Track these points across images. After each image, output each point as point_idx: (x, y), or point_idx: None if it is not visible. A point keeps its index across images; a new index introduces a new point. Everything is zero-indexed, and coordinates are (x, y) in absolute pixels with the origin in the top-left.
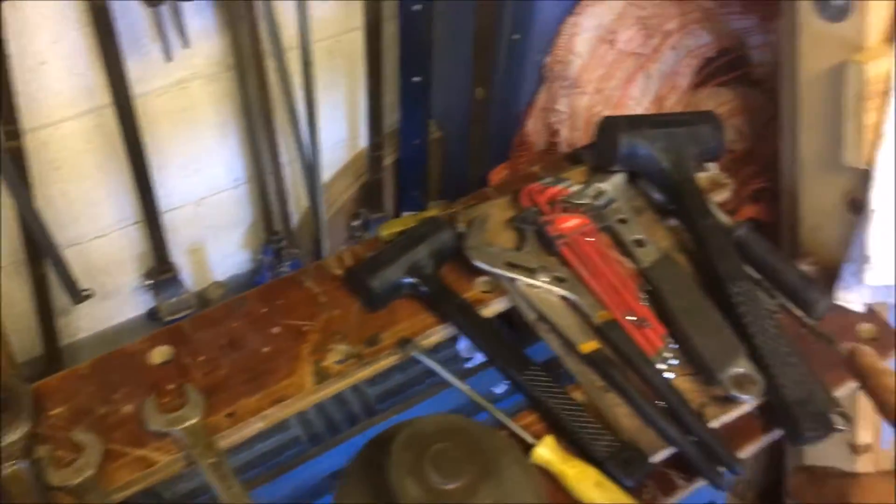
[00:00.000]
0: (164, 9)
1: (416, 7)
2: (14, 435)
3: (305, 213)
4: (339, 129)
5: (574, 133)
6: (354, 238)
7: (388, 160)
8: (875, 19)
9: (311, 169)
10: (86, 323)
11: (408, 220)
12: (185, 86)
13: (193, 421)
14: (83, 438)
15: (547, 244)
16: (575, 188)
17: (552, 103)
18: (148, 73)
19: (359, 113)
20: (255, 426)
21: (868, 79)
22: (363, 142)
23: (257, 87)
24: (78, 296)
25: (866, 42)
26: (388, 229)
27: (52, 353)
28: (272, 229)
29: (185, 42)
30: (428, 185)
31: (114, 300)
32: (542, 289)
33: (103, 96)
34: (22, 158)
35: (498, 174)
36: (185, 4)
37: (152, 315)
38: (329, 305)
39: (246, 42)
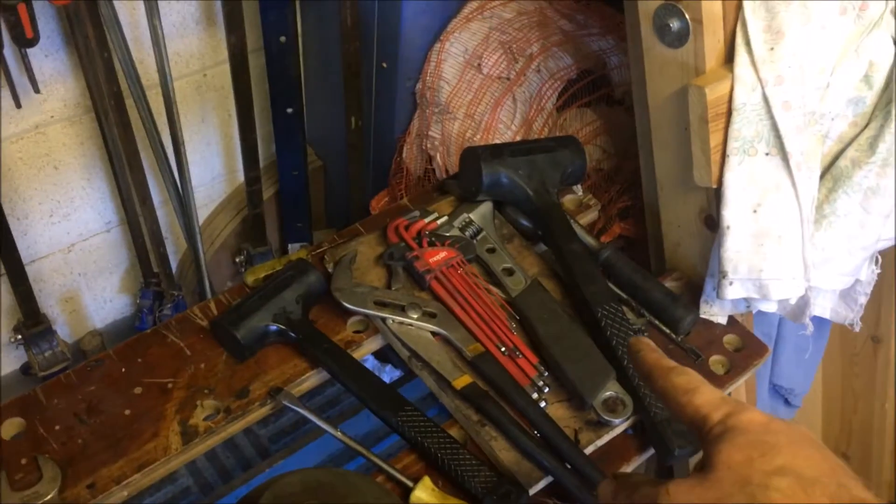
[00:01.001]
0: (8, 53)
1: (282, 38)
2: None
3: (186, 252)
4: (214, 164)
5: (448, 158)
6: (240, 274)
7: (269, 192)
8: (711, 43)
9: (185, 207)
10: None
11: (273, 263)
12: (43, 131)
13: (49, 496)
14: None
15: (417, 279)
16: (442, 220)
17: (426, 129)
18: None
19: (234, 146)
20: (118, 495)
21: (709, 101)
22: (241, 175)
23: (119, 127)
24: None
25: (705, 66)
26: (254, 275)
27: None
28: (150, 271)
29: (36, 87)
30: (311, 214)
31: None
32: (414, 325)
33: None
34: None
35: (378, 201)
36: (33, 49)
37: (25, 371)
38: (194, 359)
39: (102, 83)
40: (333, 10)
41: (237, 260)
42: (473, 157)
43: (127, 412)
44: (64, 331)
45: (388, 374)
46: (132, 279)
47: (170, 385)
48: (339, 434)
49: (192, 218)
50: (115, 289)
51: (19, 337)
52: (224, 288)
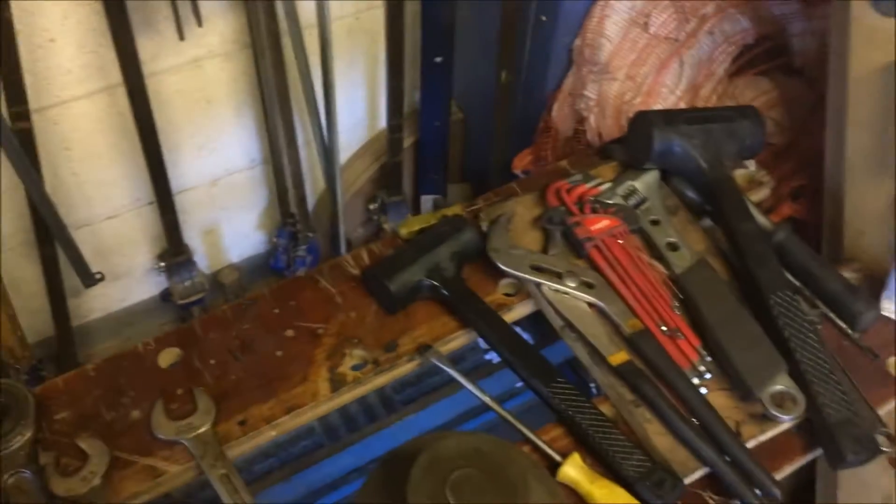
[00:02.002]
0: None
1: None
2: (17, 442)
3: (322, 195)
4: (357, 109)
5: (603, 121)
6: (372, 221)
7: (408, 142)
8: None
9: (328, 150)
10: (98, 304)
11: (428, 217)
12: (200, 65)
13: (203, 429)
14: (89, 445)
15: (575, 246)
16: (605, 186)
17: (580, 89)
18: (161, 51)
19: (378, 93)
20: (267, 435)
21: None
22: (382, 122)
23: (273, 66)
24: (89, 279)
25: None
26: (408, 227)
27: (64, 334)
28: (288, 212)
29: (199, 20)
30: (448, 167)
31: (126, 281)
32: (570, 294)
33: (115, 75)
34: (31, 139)
35: (522, 160)
36: None
37: (165, 297)
38: (345, 307)
39: (262, 20)
40: None
41: (371, 207)
42: (645, 122)
43: (278, 353)
44: (203, 262)
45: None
46: (269, 217)
47: (320, 331)
48: (487, 399)
49: (335, 162)
50: (253, 225)
51: (162, 265)
52: (355, 233)
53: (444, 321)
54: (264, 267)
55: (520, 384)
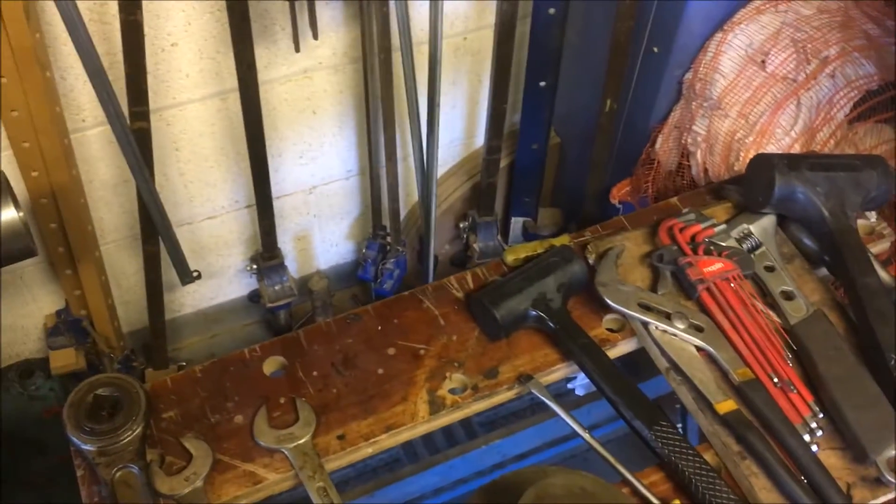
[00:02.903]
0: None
1: (551, 10)
2: (128, 437)
3: (412, 210)
4: (455, 127)
5: (710, 157)
6: (460, 239)
7: (503, 163)
8: None
9: (427, 167)
10: (189, 300)
11: (535, 245)
12: (310, 75)
13: (304, 440)
14: (194, 446)
15: (686, 287)
16: (719, 228)
17: (688, 123)
18: (274, 61)
19: (478, 113)
20: (364, 451)
21: None
22: (478, 141)
23: (382, 80)
24: (187, 276)
25: None
26: (514, 254)
27: (157, 327)
28: (380, 224)
29: (315, 34)
30: (541, 191)
31: (218, 280)
32: (678, 336)
33: (229, 81)
34: (148, 139)
35: (620, 190)
36: None
37: (253, 298)
38: (447, 329)
39: (375, 35)
40: None
41: (461, 225)
42: (766, 165)
43: (380, 371)
44: (292, 266)
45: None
46: (359, 228)
47: (422, 351)
48: (589, 437)
49: (432, 179)
50: (343, 234)
51: (255, 267)
52: (442, 250)
53: (546, 352)
54: (350, 276)
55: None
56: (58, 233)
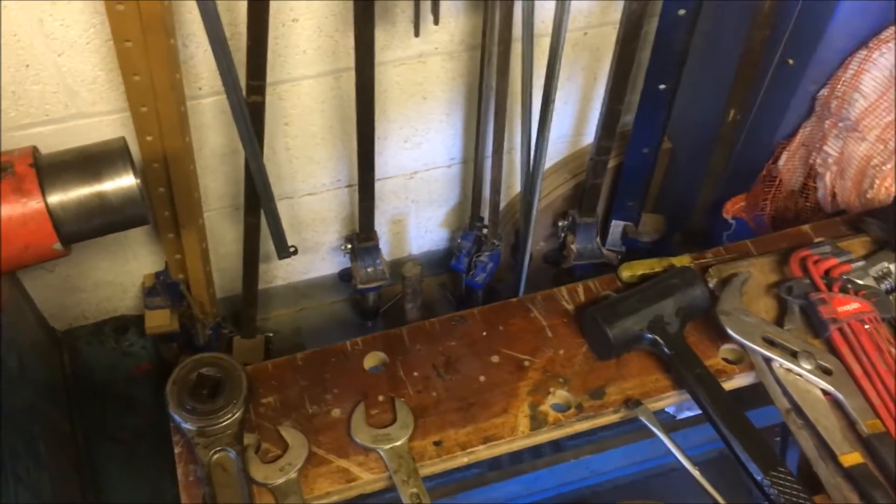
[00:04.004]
0: None
1: (681, 11)
2: (227, 419)
3: (511, 203)
4: (564, 123)
5: (840, 182)
6: (556, 237)
7: (610, 164)
8: None
9: (535, 162)
10: (282, 272)
11: (652, 263)
12: (424, 61)
13: (400, 442)
14: (291, 436)
15: (816, 325)
16: (857, 264)
17: (819, 142)
18: (391, 43)
19: (588, 111)
20: (459, 460)
21: None
22: (585, 140)
23: (499, 71)
24: (285, 251)
25: None
26: (631, 271)
27: (250, 296)
28: (477, 215)
29: (437, 19)
30: (646, 196)
31: (311, 256)
32: (803, 377)
33: (345, 60)
34: (261, 113)
35: (734, 204)
36: None
37: (343, 277)
38: (554, 342)
39: (496, 25)
40: None
41: (559, 223)
42: None
43: (482, 378)
44: (384, 249)
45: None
46: (454, 217)
47: (526, 363)
48: (696, 472)
49: (538, 175)
50: (438, 222)
51: (349, 246)
52: (537, 246)
53: (657, 378)
54: (440, 263)
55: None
56: (165, 197)
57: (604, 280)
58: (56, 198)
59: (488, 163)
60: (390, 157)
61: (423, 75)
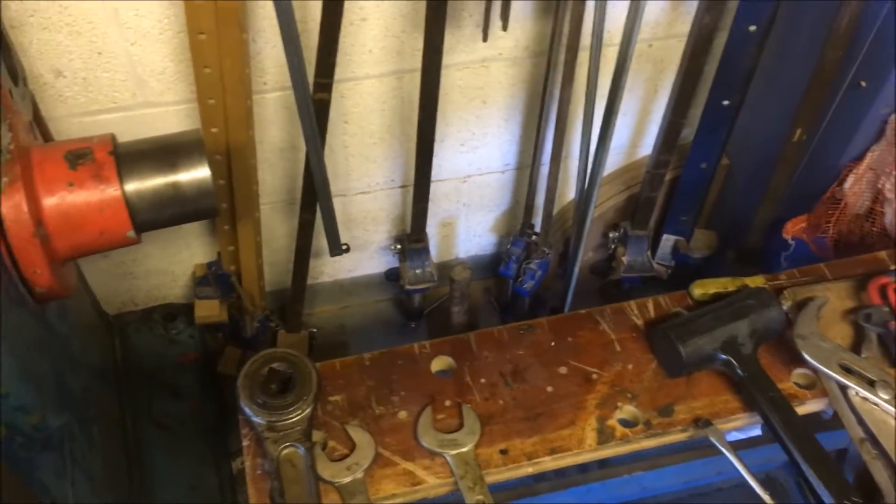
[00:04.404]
0: None
1: (752, 27)
2: (297, 415)
3: (562, 212)
4: (622, 134)
5: None
6: (605, 248)
7: (666, 177)
8: None
9: (593, 172)
10: (329, 269)
11: (725, 282)
12: (487, 65)
13: (467, 448)
14: (358, 436)
15: (895, 355)
16: None
17: (888, 167)
18: (457, 46)
19: (647, 123)
20: (524, 470)
21: None
22: (641, 152)
23: (563, 78)
24: (337, 248)
25: None
26: (703, 289)
27: (298, 291)
28: (528, 222)
29: (506, 25)
30: (700, 212)
31: (359, 254)
32: (879, 406)
33: (409, 61)
34: (326, 110)
35: (795, 225)
36: None
37: (390, 276)
38: (623, 357)
39: (565, 33)
40: (820, 10)
41: (610, 235)
42: None
43: (549, 389)
44: (432, 251)
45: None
46: (503, 223)
47: (594, 376)
48: (766, 497)
49: (595, 185)
50: (487, 227)
51: (399, 247)
52: (585, 256)
53: (727, 398)
54: (487, 268)
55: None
56: (225, 189)
57: (674, 297)
58: (133, 186)
59: (543, 170)
60: (445, 160)
61: (485, 80)
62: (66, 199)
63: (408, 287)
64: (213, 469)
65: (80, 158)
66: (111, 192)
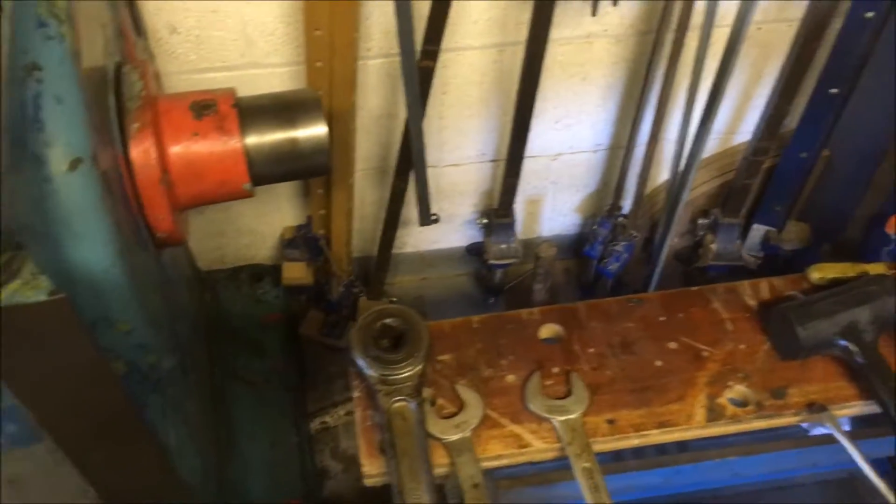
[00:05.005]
0: None
1: (869, 14)
2: (409, 371)
3: (650, 195)
4: (719, 120)
5: None
6: (692, 235)
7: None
8: None
9: (691, 156)
10: (412, 240)
11: (845, 268)
12: (590, 41)
13: (575, 415)
14: (467, 396)
15: None
16: None
17: None
18: (562, 21)
19: (746, 108)
20: (631, 441)
21: None
22: (738, 138)
23: (669, 58)
24: (427, 218)
25: None
26: (822, 273)
27: (383, 259)
28: (617, 205)
29: (616, 0)
30: (794, 203)
31: (444, 227)
32: None
33: (512, 34)
34: (430, 78)
35: None
36: None
37: (472, 251)
38: (735, 336)
39: (676, 12)
40: None
41: (698, 221)
42: None
43: (658, 363)
44: (517, 228)
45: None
46: (590, 203)
47: (705, 353)
48: (882, 485)
49: (693, 169)
50: (574, 206)
51: (485, 221)
52: (671, 241)
53: (842, 385)
54: (568, 248)
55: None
56: None
57: (789, 280)
58: (253, 139)
59: (637, 152)
60: (537, 137)
61: (587, 56)
62: (191, 148)
63: (491, 262)
64: (293, 428)
65: (205, 109)
66: (233, 143)
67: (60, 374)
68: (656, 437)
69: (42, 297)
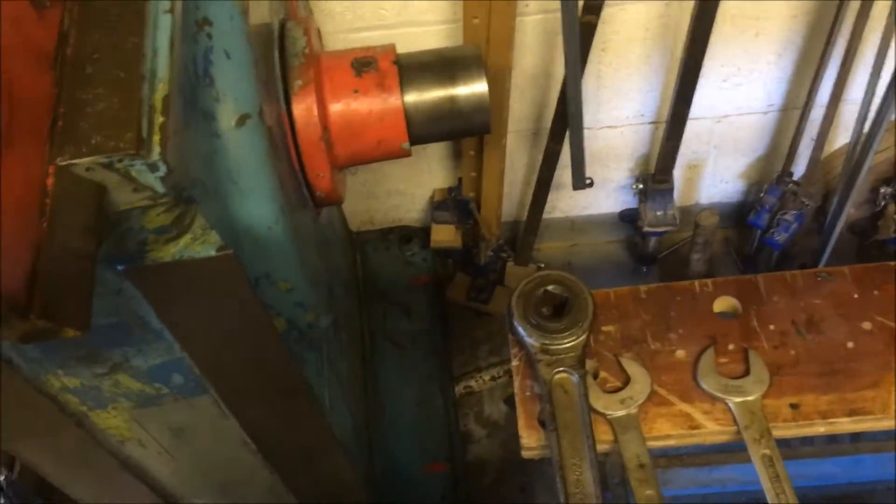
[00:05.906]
0: None
1: None
2: (571, 341)
3: (825, 160)
4: None
5: None
6: (874, 205)
7: None
8: None
9: (877, 117)
10: (563, 204)
11: None
12: None
13: (753, 397)
14: (633, 370)
15: None
16: None
17: None
18: None
19: None
20: (817, 429)
21: None
22: None
23: (859, 10)
24: (581, 182)
25: None
26: None
27: (532, 224)
28: (788, 171)
29: None
30: None
31: (596, 192)
32: None
33: None
34: (591, 34)
35: None
36: None
37: (625, 217)
38: None
39: None
40: None
41: (881, 190)
42: None
43: (849, 344)
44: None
45: None
46: (757, 169)
47: None
48: None
49: (879, 132)
50: (737, 172)
51: (640, 186)
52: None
53: None
54: (729, 217)
55: None
56: None
57: None
58: (412, 97)
59: (815, 113)
60: (702, 97)
61: (763, 9)
62: (351, 105)
63: (646, 229)
64: (439, 390)
65: (366, 66)
66: (392, 101)
67: (226, 328)
68: (846, 425)
69: (211, 252)
